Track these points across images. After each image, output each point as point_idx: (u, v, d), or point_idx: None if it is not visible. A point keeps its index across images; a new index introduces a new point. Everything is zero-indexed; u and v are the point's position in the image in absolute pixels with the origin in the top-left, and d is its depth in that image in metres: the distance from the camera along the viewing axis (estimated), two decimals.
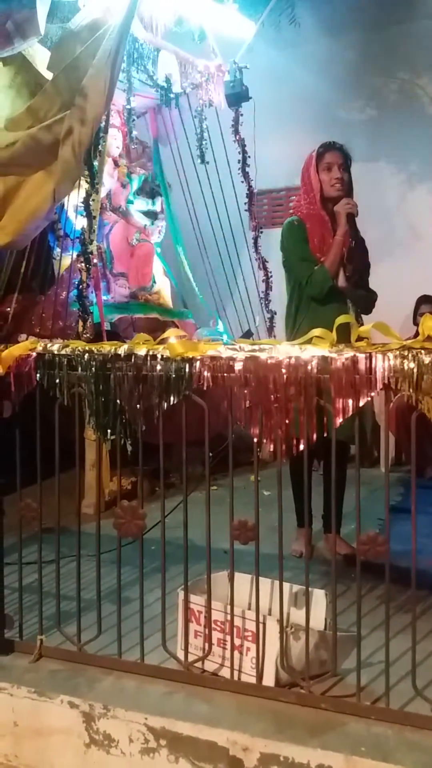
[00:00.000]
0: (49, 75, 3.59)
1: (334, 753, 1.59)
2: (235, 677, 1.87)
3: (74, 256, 3.85)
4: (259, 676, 1.84)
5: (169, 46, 4.68)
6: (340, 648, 1.81)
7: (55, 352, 2.01)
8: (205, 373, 1.82)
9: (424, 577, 1.75)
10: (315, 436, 1.76)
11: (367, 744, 1.62)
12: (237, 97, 4.81)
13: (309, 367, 1.72)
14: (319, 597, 1.97)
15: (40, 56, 3.72)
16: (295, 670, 1.82)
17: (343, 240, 2.91)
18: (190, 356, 1.84)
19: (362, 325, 2.13)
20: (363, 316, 3.04)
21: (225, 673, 1.89)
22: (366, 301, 3.05)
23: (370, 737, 1.64)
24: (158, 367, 1.87)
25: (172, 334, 1.95)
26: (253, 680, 1.85)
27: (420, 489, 1.75)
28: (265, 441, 1.79)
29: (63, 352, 2.01)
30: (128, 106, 4.68)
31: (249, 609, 1.92)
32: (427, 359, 1.61)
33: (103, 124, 3.61)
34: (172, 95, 4.99)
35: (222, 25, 4.62)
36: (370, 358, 1.67)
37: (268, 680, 1.83)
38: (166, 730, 1.74)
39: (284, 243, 3.04)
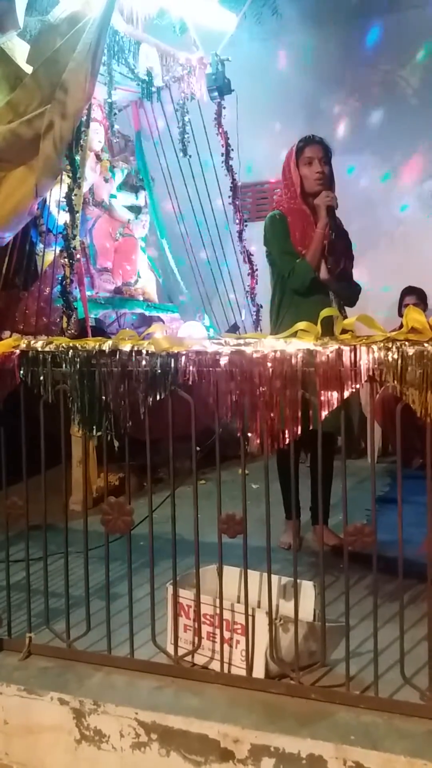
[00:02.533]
0: (28, 69, 3.55)
1: (324, 742, 1.61)
2: (225, 670, 1.88)
3: (57, 251, 3.83)
4: (249, 668, 1.85)
5: (150, 39, 4.65)
6: (329, 639, 1.83)
7: (39, 349, 2.00)
8: (191, 368, 1.81)
9: (411, 566, 1.76)
10: (301, 429, 1.76)
11: (357, 733, 1.63)
12: (219, 89, 4.80)
13: (294, 361, 1.72)
14: (308, 588, 1.98)
15: (19, 50, 3.68)
16: (285, 662, 1.83)
17: (323, 233, 2.92)
18: (176, 351, 1.83)
19: (346, 317, 2.13)
20: (347, 308, 3.05)
21: (215, 666, 1.90)
22: (350, 293, 3.06)
23: (360, 726, 1.66)
24: (143, 363, 1.86)
25: (157, 330, 1.94)
26: (243, 673, 1.86)
27: (406, 479, 1.76)
28: (251, 434, 1.79)
29: (47, 348, 1.99)
30: (109, 100, 4.65)
31: (238, 602, 1.93)
32: (411, 351, 1.62)
33: (84, 118, 3.59)
34: (153, 88, 4.96)
35: (203, 17, 4.60)
36: (354, 350, 1.67)
37: (258, 672, 1.84)
38: (157, 724, 1.74)
39: (267, 237, 3.05)
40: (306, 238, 2.95)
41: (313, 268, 2.91)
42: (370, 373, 1.66)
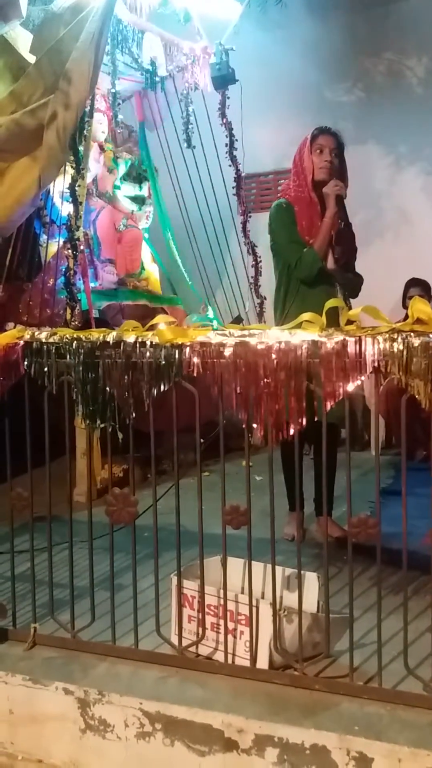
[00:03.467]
0: (32, 58, 3.53)
1: (327, 733, 1.61)
2: (229, 661, 1.88)
3: (61, 242, 3.82)
4: (253, 659, 1.85)
5: (154, 28, 4.61)
6: (333, 630, 1.83)
7: (43, 340, 2.00)
8: (195, 360, 1.81)
9: (415, 558, 1.76)
10: (305, 420, 1.76)
11: (360, 723, 1.64)
12: (223, 79, 4.75)
13: (299, 352, 1.72)
14: (312, 580, 1.98)
15: (22, 39, 3.66)
16: (289, 653, 1.83)
17: (331, 222, 2.90)
18: (180, 342, 1.83)
19: (350, 308, 2.12)
20: (351, 299, 3.04)
21: (219, 656, 1.91)
22: (354, 284, 3.05)
23: (363, 716, 1.66)
24: (147, 354, 1.86)
25: (161, 321, 1.93)
26: (246, 663, 1.86)
27: (410, 471, 1.75)
28: (255, 426, 1.79)
29: (51, 340, 1.99)
30: (113, 90, 4.62)
31: (242, 593, 1.93)
32: (416, 342, 1.61)
33: (87, 108, 3.57)
34: (157, 78, 4.92)
35: (207, 6, 4.56)
36: (359, 341, 1.66)
37: (262, 663, 1.85)
38: (161, 714, 1.75)
39: (272, 226, 3.03)
40: (313, 228, 2.92)
41: (320, 258, 2.90)
42: (375, 365, 1.65)
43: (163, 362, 1.84)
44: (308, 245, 2.91)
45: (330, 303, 1.83)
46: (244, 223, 5.13)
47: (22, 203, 3.49)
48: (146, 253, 5.28)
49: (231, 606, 1.89)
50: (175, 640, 1.96)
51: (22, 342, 2.02)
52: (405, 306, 4.78)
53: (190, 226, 5.07)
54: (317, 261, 2.89)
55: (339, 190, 2.90)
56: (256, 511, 1.87)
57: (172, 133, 4.97)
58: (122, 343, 1.89)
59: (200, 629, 1.92)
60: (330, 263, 2.94)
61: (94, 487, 3.19)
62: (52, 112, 3.35)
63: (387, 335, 1.64)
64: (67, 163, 3.58)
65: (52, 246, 4.18)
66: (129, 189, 5.11)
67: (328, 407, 1.70)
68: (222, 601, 1.89)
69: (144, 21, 4.40)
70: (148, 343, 1.86)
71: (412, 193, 5.64)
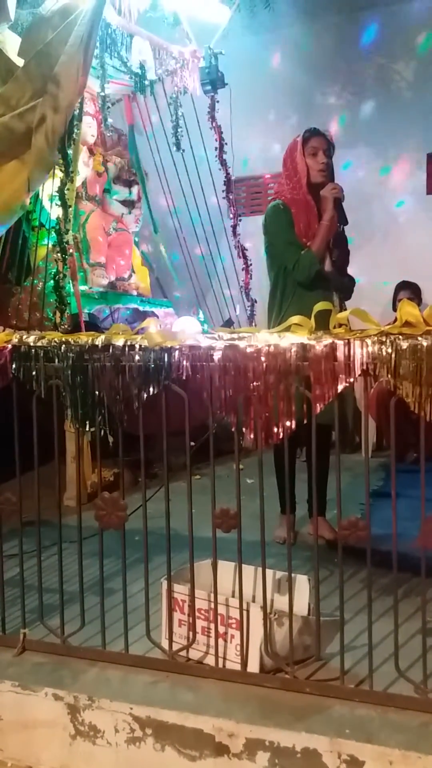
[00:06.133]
0: (20, 62, 3.52)
1: (319, 736, 1.61)
2: (220, 665, 1.88)
3: (50, 246, 3.80)
4: (244, 662, 1.85)
5: (143, 32, 4.61)
6: (324, 633, 1.83)
7: (31, 344, 1.99)
8: (184, 363, 1.81)
9: (406, 560, 1.77)
10: (295, 423, 1.76)
11: (351, 726, 1.63)
12: (212, 83, 4.77)
13: (288, 355, 1.72)
14: (303, 583, 1.98)
15: (10, 42, 3.64)
16: (280, 656, 1.83)
17: (330, 225, 2.89)
18: (169, 346, 1.83)
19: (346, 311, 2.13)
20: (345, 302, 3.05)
21: (210, 660, 1.90)
22: (348, 286, 3.06)
23: (355, 719, 1.66)
24: (137, 358, 1.85)
25: (150, 324, 1.93)
26: (237, 667, 1.86)
27: (400, 473, 1.76)
28: (245, 429, 1.79)
29: (39, 343, 1.98)
30: (102, 93, 4.61)
31: (233, 597, 1.92)
32: (404, 344, 1.61)
33: (76, 112, 3.56)
34: (146, 82, 4.92)
35: (196, 10, 4.57)
36: (348, 344, 1.67)
37: (253, 667, 1.84)
38: (152, 719, 1.74)
39: (268, 227, 3.01)
40: (310, 230, 2.92)
41: (318, 260, 2.89)
42: (364, 367, 1.66)
43: (153, 366, 1.84)
44: (306, 247, 2.90)
45: (319, 306, 1.83)
46: (234, 227, 5.14)
47: (10, 207, 3.47)
48: (136, 257, 5.27)
49: (221, 610, 1.88)
50: (165, 644, 1.95)
51: (10, 346, 2.01)
52: (395, 309, 4.80)
53: (180, 229, 5.07)
54: (315, 263, 2.88)
55: (337, 193, 2.90)
56: (247, 515, 1.86)
57: (161, 136, 4.97)
58: (111, 347, 1.88)
59: (191, 633, 1.92)
60: (327, 266, 2.94)
61: (84, 492, 3.18)
62: (41, 116, 3.33)
63: (376, 338, 1.64)
64: (56, 167, 3.57)
65: (41, 249, 4.16)
66: (119, 193, 5.10)
67: (318, 410, 1.71)
68: (212, 605, 1.88)
69: (133, 25, 4.40)
70: (137, 346, 1.86)
71: (400, 197, 5.66)
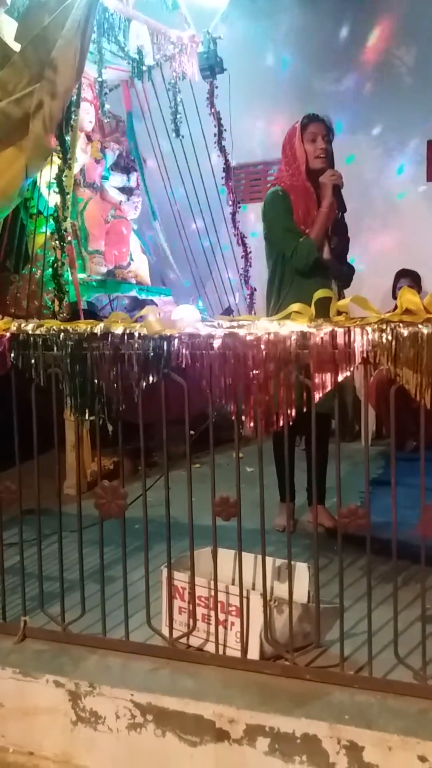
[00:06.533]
0: (16, 47, 3.48)
1: (318, 722, 1.62)
2: (220, 651, 1.89)
3: (48, 233, 3.78)
4: (244, 649, 1.86)
5: (141, 16, 4.57)
6: (324, 620, 1.83)
7: (30, 332, 1.98)
8: (184, 351, 1.80)
9: (405, 547, 1.77)
10: (296, 411, 1.75)
11: (351, 712, 1.64)
12: (211, 69, 4.72)
13: (288, 343, 1.71)
14: (302, 570, 1.98)
15: (6, 27, 3.60)
16: (280, 643, 1.84)
17: (329, 212, 2.87)
18: (168, 334, 1.82)
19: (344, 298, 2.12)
20: (344, 290, 3.03)
21: (210, 647, 1.91)
22: (348, 274, 3.04)
23: (354, 705, 1.67)
24: (136, 346, 1.85)
25: (149, 312, 1.92)
26: (237, 654, 1.86)
27: (400, 461, 1.76)
28: (245, 418, 1.78)
29: (38, 331, 1.97)
30: (99, 79, 4.57)
31: (233, 584, 1.93)
32: (405, 332, 1.60)
33: (74, 98, 3.53)
34: (144, 67, 4.88)
35: None
36: (348, 332, 1.66)
37: (253, 653, 1.85)
38: (153, 706, 1.75)
39: (267, 214, 2.98)
40: (309, 217, 2.89)
41: (316, 248, 2.87)
42: (364, 355, 1.65)
43: (152, 354, 1.83)
44: (304, 234, 2.88)
45: (319, 293, 1.82)
46: (233, 214, 5.11)
47: (8, 194, 3.45)
48: (135, 244, 5.25)
49: (222, 597, 1.89)
50: (165, 631, 1.96)
51: (8, 334, 2.00)
52: (395, 297, 4.79)
53: (179, 216, 5.04)
54: (314, 251, 2.85)
55: (336, 179, 2.87)
56: (247, 503, 1.87)
57: (160, 122, 4.93)
58: (110, 335, 1.87)
59: (191, 621, 1.92)
60: (326, 253, 2.92)
61: (84, 480, 3.18)
62: (38, 101, 3.30)
63: (376, 326, 1.64)
64: (54, 153, 3.55)
65: (39, 237, 4.14)
66: (117, 179, 5.07)
67: (317, 398, 1.70)
68: (213, 593, 1.89)
69: (130, 9, 4.36)
70: (137, 334, 1.85)
71: (400, 184, 5.63)
